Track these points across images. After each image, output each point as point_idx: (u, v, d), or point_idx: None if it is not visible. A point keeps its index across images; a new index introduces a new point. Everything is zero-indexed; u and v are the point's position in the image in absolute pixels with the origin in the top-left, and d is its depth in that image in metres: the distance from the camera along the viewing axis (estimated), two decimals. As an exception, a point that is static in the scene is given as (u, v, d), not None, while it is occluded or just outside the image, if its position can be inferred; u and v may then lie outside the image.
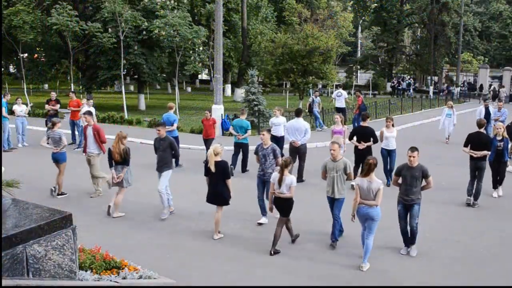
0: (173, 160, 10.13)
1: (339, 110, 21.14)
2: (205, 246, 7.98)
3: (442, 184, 11.81)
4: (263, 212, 9.06)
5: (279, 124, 13.01)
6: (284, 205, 7.74)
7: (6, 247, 3.62)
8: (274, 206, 7.92)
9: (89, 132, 10.74)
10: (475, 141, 10.27)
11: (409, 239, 7.82)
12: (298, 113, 12.18)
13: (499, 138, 10.50)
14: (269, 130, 9.92)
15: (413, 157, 7.64)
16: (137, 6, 24.64)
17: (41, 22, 25.02)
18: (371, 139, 11.36)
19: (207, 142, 13.58)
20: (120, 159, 9.19)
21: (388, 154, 11.82)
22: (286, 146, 12.58)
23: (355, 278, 6.98)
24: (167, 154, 9.45)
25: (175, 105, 24.59)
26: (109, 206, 9.31)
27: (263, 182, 9.05)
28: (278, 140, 12.38)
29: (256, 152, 9.30)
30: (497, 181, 10.91)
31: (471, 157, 10.28)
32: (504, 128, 10.77)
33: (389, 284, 6.78)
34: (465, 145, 10.47)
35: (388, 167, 11.77)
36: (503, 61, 63.33)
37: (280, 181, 7.63)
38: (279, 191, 7.66)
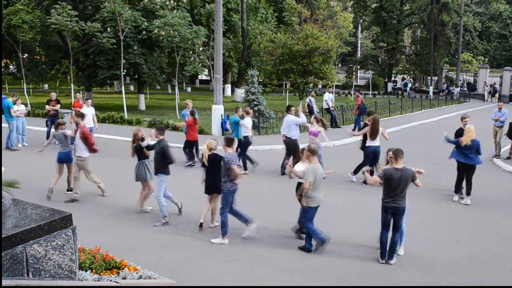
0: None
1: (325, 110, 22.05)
2: (205, 246, 7.98)
3: (442, 184, 11.83)
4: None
5: None
6: None
7: (6, 247, 3.62)
8: None
9: (78, 135, 10.17)
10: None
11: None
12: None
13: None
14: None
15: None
16: (137, 6, 24.64)
17: (40, 22, 25.03)
18: None
19: None
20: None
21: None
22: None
23: (356, 277, 6.98)
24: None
25: (175, 105, 24.83)
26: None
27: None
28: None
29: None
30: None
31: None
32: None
33: (389, 284, 6.78)
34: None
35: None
36: (503, 61, 63.35)
37: None
38: None
